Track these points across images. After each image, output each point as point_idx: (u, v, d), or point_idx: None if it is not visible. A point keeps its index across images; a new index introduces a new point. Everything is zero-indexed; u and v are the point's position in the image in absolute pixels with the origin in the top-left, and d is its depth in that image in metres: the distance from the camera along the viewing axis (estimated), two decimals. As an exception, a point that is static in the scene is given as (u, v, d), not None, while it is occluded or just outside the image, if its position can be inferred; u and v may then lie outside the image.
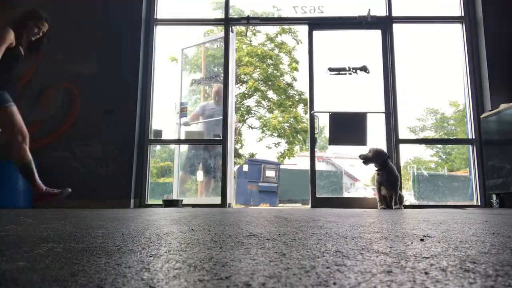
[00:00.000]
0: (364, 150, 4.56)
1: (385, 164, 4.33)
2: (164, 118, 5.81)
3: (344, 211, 3.26)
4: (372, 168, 4.51)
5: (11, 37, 3.23)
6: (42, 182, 3.40)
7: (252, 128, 17.66)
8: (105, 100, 4.83)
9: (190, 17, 5.65)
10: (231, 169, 5.17)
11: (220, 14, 6.61)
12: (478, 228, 1.45)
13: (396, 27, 5.14)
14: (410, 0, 5.38)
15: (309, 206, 4.97)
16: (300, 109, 17.25)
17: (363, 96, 5.27)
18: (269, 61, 17.04)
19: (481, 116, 4.60)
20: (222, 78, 5.28)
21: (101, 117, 4.78)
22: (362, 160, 4.41)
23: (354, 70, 5.24)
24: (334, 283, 0.53)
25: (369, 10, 5.09)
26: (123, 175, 4.68)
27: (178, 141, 5.66)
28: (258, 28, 16.01)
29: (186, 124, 5.60)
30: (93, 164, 4.68)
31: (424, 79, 6.14)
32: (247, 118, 17.73)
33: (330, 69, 5.25)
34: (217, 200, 4.89)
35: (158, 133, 5.16)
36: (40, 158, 4.61)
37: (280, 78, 17.09)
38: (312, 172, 4.95)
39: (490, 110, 4.45)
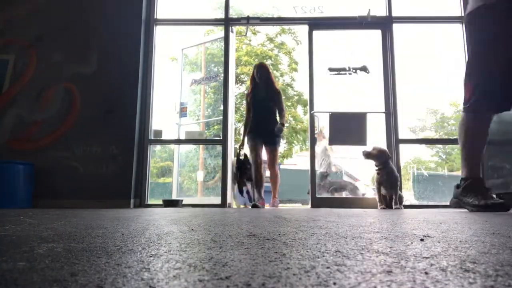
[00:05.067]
0: (364, 149, 4.55)
1: (386, 164, 4.33)
2: (164, 118, 5.82)
3: (344, 211, 3.26)
4: (372, 168, 4.51)
5: None
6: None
7: (252, 128, 17.62)
8: (105, 100, 4.83)
9: (190, 17, 5.66)
10: (231, 169, 5.17)
11: (220, 14, 6.61)
12: (478, 228, 1.45)
13: (396, 27, 5.14)
14: (410, 0, 5.39)
15: (309, 206, 4.97)
16: (300, 109, 17.25)
17: (363, 96, 5.27)
18: (269, 62, 17.04)
19: (481, 116, 4.59)
20: (222, 78, 5.29)
21: (101, 117, 4.78)
22: (364, 155, 4.41)
23: (354, 70, 5.24)
24: (334, 283, 0.53)
25: (369, 10, 5.09)
26: (123, 175, 4.68)
27: (178, 141, 5.66)
28: (258, 28, 16.00)
29: None
30: (93, 164, 4.69)
31: (424, 79, 6.14)
32: (247, 118, 17.70)
33: (330, 69, 5.25)
34: (217, 200, 4.89)
35: (158, 133, 5.17)
36: (40, 158, 4.62)
37: (280, 79, 17.09)
38: (312, 172, 4.95)
39: (490, 110, 4.44)
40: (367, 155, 4.39)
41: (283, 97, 5.41)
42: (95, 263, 0.69)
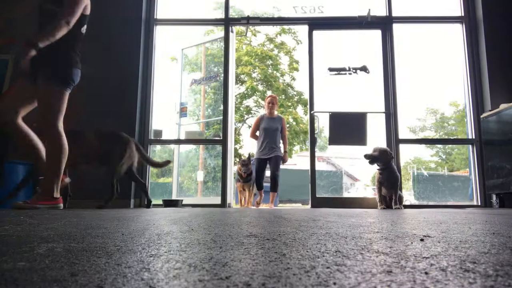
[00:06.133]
0: (364, 150, 4.55)
1: (389, 165, 4.33)
2: (164, 118, 5.81)
3: (344, 211, 3.26)
4: (372, 168, 4.51)
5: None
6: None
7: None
8: (105, 100, 4.82)
9: (190, 17, 5.66)
10: (231, 169, 5.17)
11: (220, 14, 6.61)
12: (478, 228, 1.45)
13: (396, 27, 5.14)
14: (410, 0, 5.39)
15: (309, 206, 4.97)
16: (300, 110, 17.26)
17: (363, 96, 5.27)
18: (269, 62, 17.05)
19: (481, 116, 4.60)
20: (222, 78, 5.29)
21: (101, 117, 4.78)
22: (368, 160, 4.38)
23: (354, 70, 5.24)
24: (334, 283, 0.53)
25: (369, 10, 5.09)
26: (123, 175, 4.67)
27: (178, 141, 5.66)
28: (258, 28, 16.01)
29: None
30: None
31: (424, 79, 6.13)
32: (247, 118, 17.72)
33: (330, 69, 5.25)
34: (217, 200, 4.89)
35: (158, 133, 5.16)
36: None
37: (280, 79, 17.10)
38: (312, 172, 4.95)
39: (490, 110, 4.45)
40: (372, 159, 4.34)
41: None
42: (95, 263, 0.69)
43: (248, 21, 5.48)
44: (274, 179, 5.61)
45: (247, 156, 5.72)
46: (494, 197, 4.39)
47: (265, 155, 5.54)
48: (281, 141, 5.68)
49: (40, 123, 3.01)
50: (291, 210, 3.98)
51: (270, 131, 5.55)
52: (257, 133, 5.69)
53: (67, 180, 3.62)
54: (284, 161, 5.71)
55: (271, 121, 5.63)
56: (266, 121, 5.63)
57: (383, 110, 4.98)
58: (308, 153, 5.18)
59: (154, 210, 3.59)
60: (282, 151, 5.66)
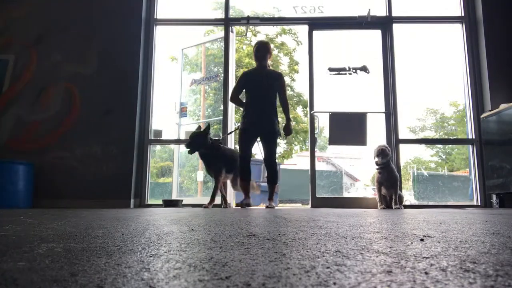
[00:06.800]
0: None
1: (387, 164, 4.33)
2: (164, 118, 5.81)
3: (344, 211, 3.26)
4: (372, 168, 4.51)
5: None
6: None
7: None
8: (105, 100, 4.83)
9: (190, 17, 5.66)
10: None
11: (220, 14, 6.61)
12: (478, 228, 1.45)
13: (396, 27, 5.14)
14: (410, 0, 5.39)
15: (309, 206, 4.97)
16: (300, 110, 17.26)
17: (363, 96, 5.27)
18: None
19: (481, 116, 4.60)
20: (222, 78, 5.28)
21: (101, 117, 4.78)
22: (382, 157, 4.21)
23: (354, 70, 5.24)
24: (334, 283, 0.53)
25: (369, 10, 5.09)
26: (123, 175, 4.68)
27: (178, 141, 5.65)
28: (258, 28, 16.01)
29: None
30: (93, 164, 4.68)
31: (424, 79, 6.14)
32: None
33: (330, 69, 5.25)
34: (217, 200, 4.88)
35: (158, 133, 5.16)
36: (40, 158, 4.62)
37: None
38: (312, 172, 4.95)
39: (490, 110, 4.45)
40: (384, 153, 4.20)
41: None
42: (95, 263, 0.69)
43: (248, 21, 5.48)
44: (271, 166, 4.04)
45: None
46: (494, 197, 4.39)
47: (252, 125, 3.95)
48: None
49: None
50: (291, 210, 3.97)
51: (260, 91, 3.80)
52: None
53: None
54: (287, 133, 4.06)
55: (261, 77, 3.92)
56: (254, 77, 3.98)
57: (383, 110, 4.98)
58: (308, 153, 5.17)
59: (154, 210, 3.59)
60: (282, 124, 4.14)
